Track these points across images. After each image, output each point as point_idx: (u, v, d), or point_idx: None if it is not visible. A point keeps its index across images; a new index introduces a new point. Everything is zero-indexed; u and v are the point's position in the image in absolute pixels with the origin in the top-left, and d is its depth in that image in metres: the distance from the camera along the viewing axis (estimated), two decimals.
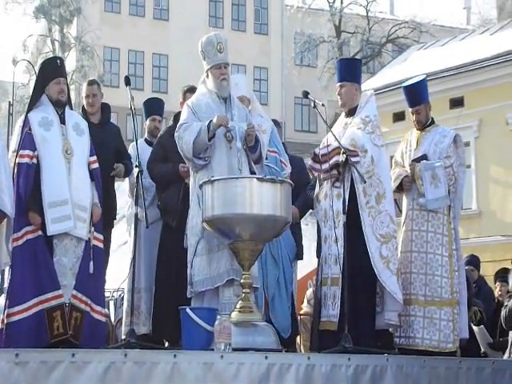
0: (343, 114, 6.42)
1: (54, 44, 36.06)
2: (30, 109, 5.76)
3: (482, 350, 7.22)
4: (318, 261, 6.29)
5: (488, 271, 9.83)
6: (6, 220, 5.29)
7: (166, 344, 6.37)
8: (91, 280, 5.58)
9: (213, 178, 5.26)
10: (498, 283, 8.27)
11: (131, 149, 7.27)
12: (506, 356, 6.84)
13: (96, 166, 5.83)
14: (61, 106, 5.76)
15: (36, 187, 5.50)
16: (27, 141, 5.60)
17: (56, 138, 5.63)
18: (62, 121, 5.73)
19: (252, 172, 5.69)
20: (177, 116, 6.47)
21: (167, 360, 4.35)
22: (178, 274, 6.03)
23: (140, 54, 36.69)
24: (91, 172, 5.77)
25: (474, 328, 7.19)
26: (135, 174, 5.67)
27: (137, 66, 36.52)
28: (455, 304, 6.33)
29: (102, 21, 35.42)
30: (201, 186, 5.37)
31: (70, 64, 31.03)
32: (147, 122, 7.52)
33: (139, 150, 5.79)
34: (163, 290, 6.35)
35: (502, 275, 8.26)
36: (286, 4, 37.84)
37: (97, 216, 5.72)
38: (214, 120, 5.53)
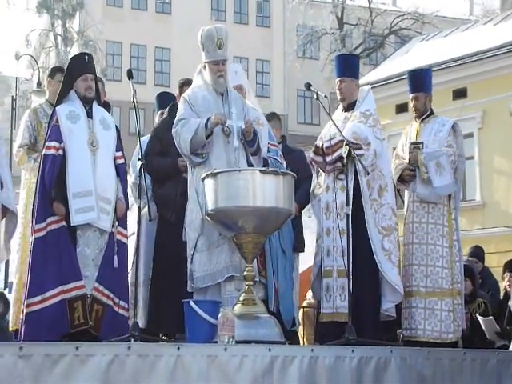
0: (340, 108, 6.45)
1: (56, 38, 36.10)
2: (58, 104, 5.78)
3: (489, 337, 7.20)
4: None
5: (492, 263, 9.81)
6: (7, 216, 5.30)
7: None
8: (115, 274, 5.59)
9: (215, 171, 5.25)
10: (506, 274, 8.27)
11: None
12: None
13: (122, 161, 5.82)
14: (88, 102, 5.78)
15: (61, 178, 5.52)
16: (54, 133, 5.63)
17: (82, 131, 5.65)
18: (90, 115, 5.75)
19: (250, 165, 5.67)
20: (172, 108, 6.44)
21: (171, 353, 4.36)
22: (174, 267, 6.00)
23: (142, 47, 36.66)
24: (117, 167, 5.77)
25: (480, 318, 7.18)
26: (137, 168, 5.65)
27: (139, 59, 36.49)
28: (456, 295, 6.35)
29: (105, 15, 35.40)
30: (203, 180, 5.35)
31: None
32: (157, 116, 7.48)
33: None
34: (160, 284, 6.32)
35: (510, 266, 8.27)
36: None
37: (121, 210, 5.72)
38: (212, 118, 5.51)
